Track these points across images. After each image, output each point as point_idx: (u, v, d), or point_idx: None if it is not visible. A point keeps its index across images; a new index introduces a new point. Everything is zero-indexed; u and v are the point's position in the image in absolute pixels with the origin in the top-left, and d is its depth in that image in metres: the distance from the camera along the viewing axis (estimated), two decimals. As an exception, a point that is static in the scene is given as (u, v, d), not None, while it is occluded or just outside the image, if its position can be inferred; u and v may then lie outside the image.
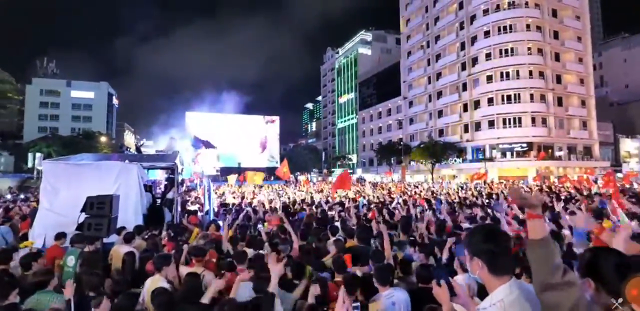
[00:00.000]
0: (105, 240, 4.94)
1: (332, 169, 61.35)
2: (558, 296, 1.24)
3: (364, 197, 11.95)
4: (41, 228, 6.15)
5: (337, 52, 74.94)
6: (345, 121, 69.03)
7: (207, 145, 12.40)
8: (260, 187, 16.93)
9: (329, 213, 7.39)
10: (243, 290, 3.07)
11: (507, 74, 37.40)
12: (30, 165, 41.78)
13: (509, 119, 37.05)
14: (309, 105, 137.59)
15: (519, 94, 36.81)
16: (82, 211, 4.46)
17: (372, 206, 8.82)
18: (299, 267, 3.49)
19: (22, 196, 16.91)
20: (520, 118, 36.64)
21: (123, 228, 5.43)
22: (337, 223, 5.87)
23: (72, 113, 62.30)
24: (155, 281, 3.36)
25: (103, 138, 48.36)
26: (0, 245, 5.85)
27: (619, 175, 34.72)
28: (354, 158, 63.16)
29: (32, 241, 5.69)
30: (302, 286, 3.25)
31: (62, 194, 6.39)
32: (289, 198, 12.22)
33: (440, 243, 4.24)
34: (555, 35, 38.55)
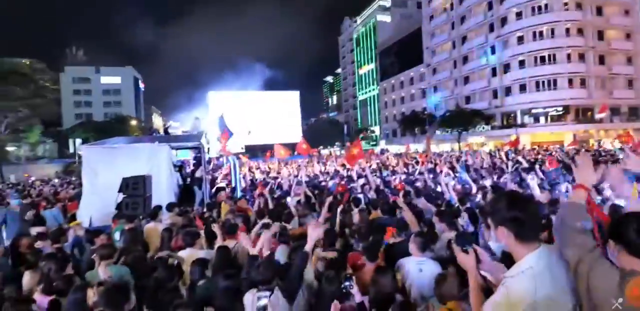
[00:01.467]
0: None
1: (356, 142, 61.03)
2: (585, 239, 1.37)
3: (387, 168, 11.93)
4: (86, 210, 6.60)
5: (355, 21, 71.71)
6: (366, 93, 67.47)
7: (228, 132, 12.42)
8: (286, 163, 17.31)
9: (352, 185, 7.51)
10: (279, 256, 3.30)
11: (541, 33, 34.56)
12: (72, 150, 44.61)
13: (543, 82, 34.75)
14: (329, 78, 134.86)
15: (554, 54, 34.18)
16: (119, 191, 4.80)
17: (395, 177, 8.80)
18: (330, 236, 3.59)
19: (66, 180, 18.23)
20: (555, 81, 34.27)
21: (159, 207, 5.80)
22: (360, 195, 5.97)
23: (104, 99, 64.80)
24: (192, 253, 3.63)
25: (133, 122, 50.33)
26: (52, 225, 6.43)
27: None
28: (376, 130, 62.33)
29: (80, 221, 6.21)
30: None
31: (102, 176, 6.73)
32: (312, 172, 12.41)
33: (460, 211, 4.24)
34: (596, -14, 34.82)
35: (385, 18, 62.95)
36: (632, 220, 1.31)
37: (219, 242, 4.02)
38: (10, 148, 35.72)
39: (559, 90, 34.06)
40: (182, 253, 3.71)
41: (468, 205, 4.96)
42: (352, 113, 74.11)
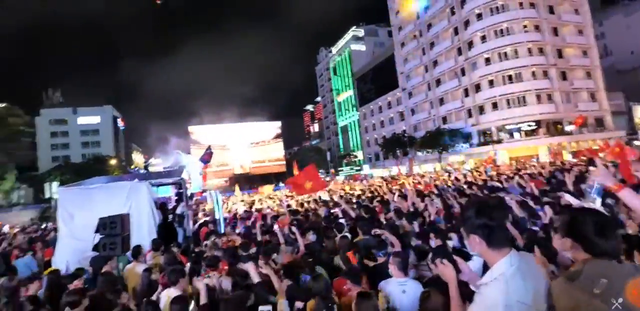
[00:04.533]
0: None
1: (340, 168, 61.30)
2: None
3: (371, 192, 11.95)
4: (62, 255, 6.30)
5: (330, 51, 74.98)
6: (346, 119, 68.98)
7: (207, 158, 12.33)
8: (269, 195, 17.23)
9: (333, 211, 7.48)
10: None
11: (505, 54, 36.89)
12: (47, 195, 42.96)
13: (513, 99, 36.55)
14: (309, 107, 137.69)
15: (520, 73, 36.30)
16: (95, 232, 4.64)
17: (375, 201, 8.81)
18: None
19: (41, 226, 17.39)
20: (524, 97, 36.12)
21: (139, 246, 5.59)
22: (342, 220, 5.95)
23: (81, 140, 63.51)
24: (171, 293, 3.49)
25: (113, 162, 49.27)
26: (25, 274, 6.06)
27: (636, 143, 33.80)
28: (359, 155, 63.02)
29: (56, 268, 5.89)
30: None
31: (78, 219, 6.53)
32: (297, 201, 12.30)
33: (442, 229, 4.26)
34: (551, 10, 37.93)
35: (359, 47, 66.09)
36: (589, 217, 1.36)
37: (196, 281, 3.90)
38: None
39: (529, 106, 35.79)
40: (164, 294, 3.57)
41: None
42: (334, 140, 75.08)
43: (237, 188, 19.33)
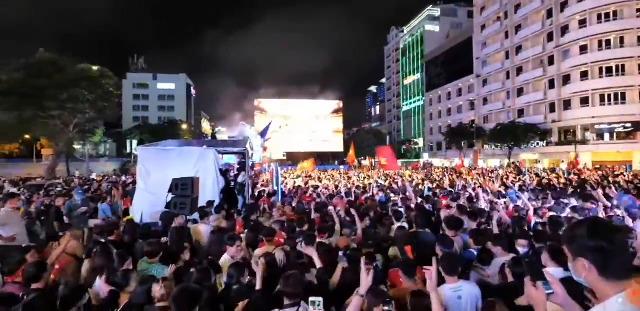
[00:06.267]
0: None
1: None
2: None
3: (432, 182, 11.46)
4: (138, 206, 7.07)
5: (402, 31, 71.04)
6: (410, 103, 66.11)
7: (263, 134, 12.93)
8: (325, 171, 17.40)
9: (393, 198, 7.27)
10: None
11: (608, 41, 31.80)
12: (128, 150, 48.38)
13: (609, 95, 31.78)
14: (373, 88, 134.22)
15: (623, 65, 31.21)
16: (169, 191, 5.05)
17: (438, 191, 8.40)
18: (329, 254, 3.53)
19: (122, 178, 19.63)
20: (624, 94, 31.19)
21: (203, 207, 6.01)
22: (402, 209, 5.76)
23: (158, 104, 69.97)
24: (229, 258, 3.71)
25: (184, 126, 53.58)
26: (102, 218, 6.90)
27: None
28: (420, 142, 60.64)
29: (133, 216, 6.63)
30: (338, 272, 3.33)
31: (154, 176, 7.17)
32: (353, 183, 12.26)
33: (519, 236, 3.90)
34: (678, -10, 31.43)
35: (434, 28, 61.74)
36: None
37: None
38: (76, 146, 39.52)
39: (629, 105, 30.89)
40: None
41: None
42: (395, 124, 72.87)
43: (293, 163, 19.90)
